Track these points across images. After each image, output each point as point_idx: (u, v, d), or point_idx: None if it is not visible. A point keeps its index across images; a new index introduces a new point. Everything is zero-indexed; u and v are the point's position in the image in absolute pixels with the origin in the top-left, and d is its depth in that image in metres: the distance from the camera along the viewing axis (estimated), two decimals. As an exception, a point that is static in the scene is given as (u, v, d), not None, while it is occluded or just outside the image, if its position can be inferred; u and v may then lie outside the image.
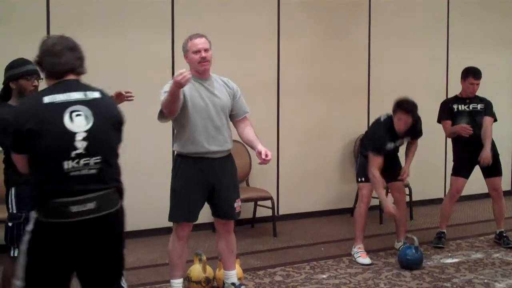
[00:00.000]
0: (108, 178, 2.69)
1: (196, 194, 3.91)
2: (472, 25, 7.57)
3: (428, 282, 4.53)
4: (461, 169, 5.51)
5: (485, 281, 4.56)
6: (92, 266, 2.71)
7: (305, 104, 6.53)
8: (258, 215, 6.21)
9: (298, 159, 6.59)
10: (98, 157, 2.63)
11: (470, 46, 7.43)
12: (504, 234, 5.54)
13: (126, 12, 5.57)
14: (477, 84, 5.47)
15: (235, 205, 4.04)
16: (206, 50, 3.88)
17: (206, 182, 3.91)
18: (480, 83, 5.49)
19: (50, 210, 2.57)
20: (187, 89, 3.76)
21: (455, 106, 5.49)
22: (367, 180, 5.02)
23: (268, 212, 5.92)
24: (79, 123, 2.60)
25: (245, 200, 5.78)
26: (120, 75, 5.27)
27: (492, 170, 5.46)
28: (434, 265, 4.96)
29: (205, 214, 4.21)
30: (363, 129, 6.44)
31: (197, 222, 4.07)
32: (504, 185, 7.74)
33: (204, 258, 4.32)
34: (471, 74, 5.47)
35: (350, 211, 6.54)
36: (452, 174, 5.59)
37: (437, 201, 6.81)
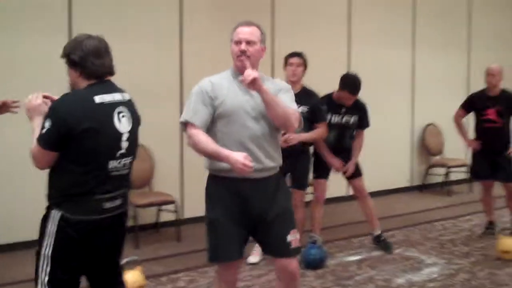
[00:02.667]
0: (129, 178, 2.84)
1: (235, 225, 3.12)
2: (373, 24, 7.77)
3: (331, 281, 4.59)
4: (323, 170, 5.32)
5: (386, 277, 4.67)
6: (106, 263, 2.81)
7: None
8: (163, 219, 6.07)
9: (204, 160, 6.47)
10: (131, 157, 2.77)
11: (371, 45, 7.63)
12: (382, 238, 5.46)
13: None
14: (350, 99, 5.17)
15: (289, 238, 3.15)
16: (249, 43, 3.15)
17: (246, 210, 3.10)
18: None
19: (83, 207, 2.60)
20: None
21: (328, 116, 5.14)
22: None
23: (173, 217, 5.82)
24: (125, 124, 2.71)
25: (147, 205, 5.67)
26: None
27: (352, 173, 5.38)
28: (337, 263, 5.03)
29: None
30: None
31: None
32: (403, 182, 8.14)
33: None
34: (348, 88, 5.12)
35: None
36: (314, 177, 5.35)
37: (338, 199, 7.03)
